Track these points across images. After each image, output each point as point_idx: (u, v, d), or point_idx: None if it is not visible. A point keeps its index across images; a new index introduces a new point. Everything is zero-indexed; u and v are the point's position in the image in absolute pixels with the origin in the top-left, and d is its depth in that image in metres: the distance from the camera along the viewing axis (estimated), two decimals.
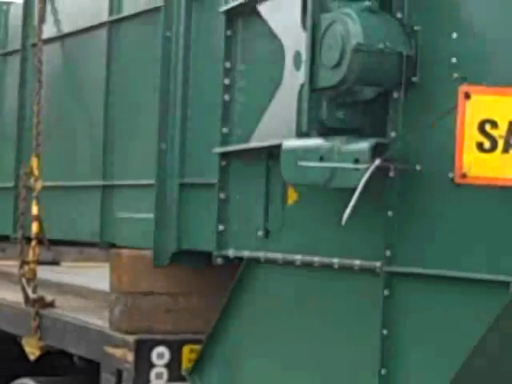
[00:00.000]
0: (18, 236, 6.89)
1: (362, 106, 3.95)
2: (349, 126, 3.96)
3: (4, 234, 7.88)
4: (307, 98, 3.96)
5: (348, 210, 3.63)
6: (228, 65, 5.01)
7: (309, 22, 3.96)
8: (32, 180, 6.76)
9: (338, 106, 3.94)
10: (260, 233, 4.70)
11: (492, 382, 3.82)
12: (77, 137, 6.89)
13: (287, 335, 4.60)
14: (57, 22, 7.28)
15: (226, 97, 5.02)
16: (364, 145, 3.75)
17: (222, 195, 5.03)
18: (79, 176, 6.77)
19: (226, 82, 5.02)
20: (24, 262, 6.76)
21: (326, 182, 3.89)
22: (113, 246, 6.43)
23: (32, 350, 6.46)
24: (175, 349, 5.37)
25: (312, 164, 3.83)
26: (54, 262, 10.29)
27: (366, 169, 3.64)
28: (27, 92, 7.61)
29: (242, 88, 5.00)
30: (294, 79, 4.29)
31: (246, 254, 4.81)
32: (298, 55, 4.23)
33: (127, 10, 6.30)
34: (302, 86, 4.11)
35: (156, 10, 5.73)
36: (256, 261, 4.73)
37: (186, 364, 5.37)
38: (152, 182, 5.68)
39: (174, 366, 5.36)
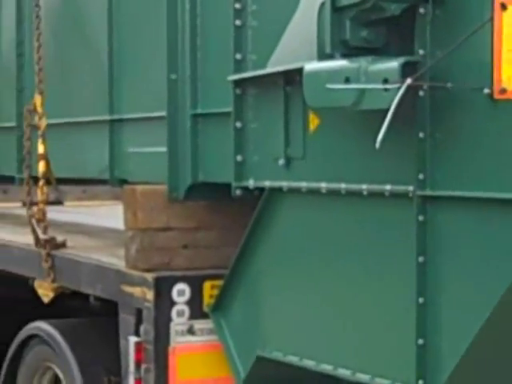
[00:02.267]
0: (24, 176, 6.71)
1: (387, 24, 3.79)
2: (374, 46, 3.81)
3: (8, 175, 7.74)
4: (329, 18, 3.80)
5: (382, 133, 3.48)
6: None
7: None
8: (36, 118, 6.61)
9: (361, 25, 3.78)
10: (281, 161, 4.56)
11: None
12: (80, 71, 6.72)
13: (314, 268, 4.48)
14: None
15: (238, 22, 4.86)
16: (393, 64, 3.60)
17: (239, 124, 4.88)
18: (85, 112, 6.61)
19: (237, 6, 4.85)
20: (32, 203, 6.62)
21: (353, 105, 3.74)
22: (124, 182, 6.30)
23: (45, 292, 6.35)
24: (196, 285, 5.25)
25: (340, 86, 3.67)
26: (58, 202, 10.19)
27: (397, 88, 3.49)
28: (25, 27, 7.44)
29: (254, 11, 4.83)
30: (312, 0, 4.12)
31: (267, 183, 4.68)
32: None
33: None
34: (323, 4, 3.95)
35: None
36: (279, 190, 4.60)
37: (207, 300, 5.25)
38: (163, 114, 5.53)
39: (195, 303, 5.24)
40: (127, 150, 6.14)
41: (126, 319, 5.42)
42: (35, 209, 6.51)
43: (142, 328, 5.28)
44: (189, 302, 5.23)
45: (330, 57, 3.88)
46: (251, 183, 4.81)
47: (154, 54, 5.76)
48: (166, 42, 5.41)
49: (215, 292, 5.25)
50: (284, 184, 4.55)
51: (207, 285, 5.27)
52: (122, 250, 6.12)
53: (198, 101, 5.31)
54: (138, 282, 5.31)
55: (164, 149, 5.52)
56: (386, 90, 3.56)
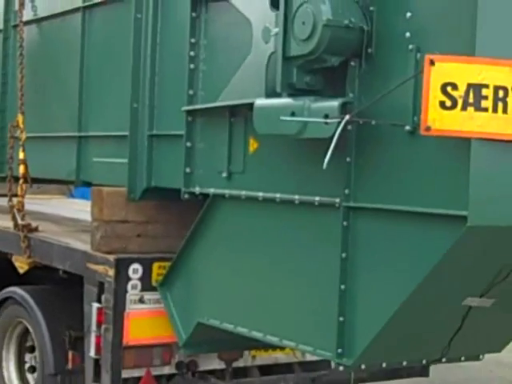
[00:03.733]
0: (7, 175, 6.12)
1: (326, 72, 3.42)
2: (314, 88, 3.43)
3: None
4: (280, 64, 3.41)
5: (328, 156, 3.11)
6: (193, 40, 4.41)
7: (282, 2, 3.41)
8: (18, 132, 6.04)
9: (306, 72, 3.40)
10: (224, 174, 4.15)
11: (439, 312, 3.40)
12: (55, 97, 6.13)
13: (248, 255, 4.08)
14: (34, 7, 6.48)
15: (192, 66, 4.43)
16: (334, 103, 3.23)
17: (189, 144, 4.45)
18: (58, 128, 6.04)
19: (192, 53, 4.42)
20: (12, 196, 6.03)
21: (297, 134, 3.36)
22: (86, 184, 5.79)
23: (21, 265, 5.79)
24: (147, 265, 4.79)
25: (290, 118, 3.29)
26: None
27: (338, 123, 3.13)
28: (9, 62, 6.80)
29: (204, 59, 4.41)
30: (261, 51, 3.72)
31: (211, 190, 4.26)
32: (266, 30, 3.66)
33: None
34: (271, 55, 3.58)
35: None
36: (221, 197, 4.18)
37: (155, 277, 4.80)
38: (122, 133, 5.07)
39: (145, 279, 4.77)
40: (91, 159, 5.61)
41: (90, 289, 4.93)
42: (15, 200, 5.93)
43: (103, 297, 4.82)
44: (141, 278, 4.78)
45: (278, 95, 3.49)
46: (197, 189, 4.40)
47: (116, 87, 5.29)
48: (129, 79, 4.93)
49: (162, 271, 4.82)
50: (226, 192, 4.13)
51: (155, 265, 4.83)
52: (82, 234, 5.76)
53: (154, 124, 4.85)
54: (101, 261, 4.82)
55: (123, 160, 5.07)
56: (326, 123, 3.19)
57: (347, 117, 3.11)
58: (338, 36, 3.23)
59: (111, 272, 4.72)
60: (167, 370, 4.98)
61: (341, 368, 3.48)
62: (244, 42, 3.93)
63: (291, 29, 3.35)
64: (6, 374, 5.89)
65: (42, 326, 5.35)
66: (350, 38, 3.24)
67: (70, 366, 5.18)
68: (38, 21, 6.38)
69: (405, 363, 3.74)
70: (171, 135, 4.69)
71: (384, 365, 3.62)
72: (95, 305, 4.83)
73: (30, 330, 5.57)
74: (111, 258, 4.74)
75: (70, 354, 5.19)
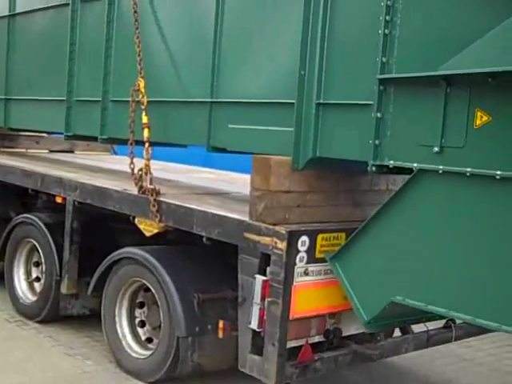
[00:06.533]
0: (128, 138, 5.65)
1: None
2: None
3: (92, 135, 6.62)
4: None
5: None
6: (389, 2, 4.02)
7: None
8: (140, 96, 5.59)
9: None
10: (436, 149, 3.78)
11: None
12: (182, 60, 5.66)
13: (462, 241, 3.72)
14: None
15: (386, 31, 4.04)
16: None
17: (379, 114, 4.08)
18: (187, 94, 5.59)
19: (387, 18, 4.03)
20: (133, 158, 5.62)
21: None
22: (216, 149, 5.38)
23: (149, 228, 5.40)
24: (313, 237, 4.48)
25: None
26: (70, 151, 9.72)
27: None
28: (114, 27, 6.29)
29: (400, 24, 4.02)
30: None
31: (414, 165, 3.89)
32: None
33: None
34: None
35: None
36: (432, 172, 3.81)
37: (318, 249, 4.49)
38: (274, 100, 4.79)
39: (311, 251, 4.48)
40: (226, 126, 5.20)
41: (249, 260, 4.59)
42: (142, 164, 5.50)
43: (268, 269, 4.47)
44: (307, 251, 4.46)
45: None
46: (391, 163, 4.04)
47: (266, 52, 4.88)
48: (289, 44, 4.61)
49: (324, 242, 4.53)
50: (440, 167, 3.77)
51: (319, 237, 4.53)
52: (208, 199, 5.52)
53: (322, 92, 4.46)
54: (267, 232, 4.47)
55: (271, 127, 4.80)
56: None
57: None
58: None
59: (281, 245, 4.38)
60: (317, 339, 4.78)
61: None
62: None
63: None
64: (119, 329, 5.70)
65: (171, 288, 5.10)
66: None
67: (220, 334, 4.83)
68: None
69: None
70: (346, 104, 4.32)
71: None
72: (260, 277, 4.50)
73: (152, 289, 5.33)
74: (282, 229, 4.39)
75: (221, 322, 4.83)
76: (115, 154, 10.08)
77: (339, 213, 4.82)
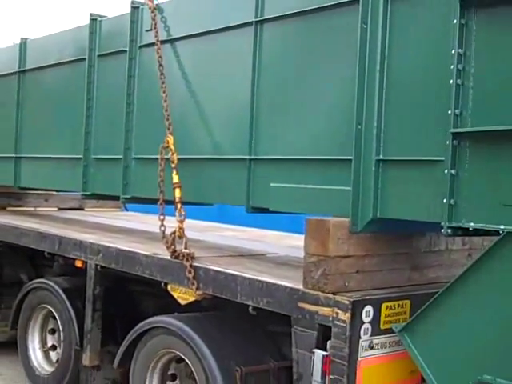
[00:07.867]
0: (158, 198, 5.17)
1: None
2: None
3: (114, 195, 6.15)
4: None
5: None
6: (460, 51, 3.60)
7: None
8: (170, 154, 5.13)
9: None
10: None
11: None
12: (211, 117, 5.23)
13: None
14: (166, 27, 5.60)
15: (458, 81, 3.61)
16: None
17: (453, 171, 3.63)
18: (223, 151, 5.14)
19: (459, 66, 3.61)
20: (163, 220, 5.11)
21: None
22: (255, 209, 4.91)
23: (184, 296, 4.89)
24: (377, 306, 4.00)
25: None
26: (80, 208, 9.38)
27: None
28: (135, 83, 5.88)
29: (473, 73, 3.60)
30: None
31: (501, 227, 3.43)
32: None
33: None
34: None
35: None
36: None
37: (383, 319, 4.01)
38: (333, 157, 4.30)
39: (375, 322, 4.00)
40: (267, 184, 4.73)
41: (305, 333, 4.08)
42: (176, 227, 5.00)
43: (329, 343, 3.97)
44: (371, 322, 3.97)
45: None
46: (470, 224, 3.58)
47: (317, 105, 4.45)
48: (332, 96, 4.25)
49: (389, 312, 4.04)
50: None
51: (384, 306, 4.03)
52: (246, 262, 5.04)
53: (381, 148, 4.02)
54: (326, 302, 3.98)
55: (321, 186, 4.34)
56: None
57: None
58: None
59: (344, 316, 3.90)
60: None
61: None
62: None
63: None
64: None
65: (210, 361, 4.55)
66: None
67: None
68: (173, 40, 5.51)
69: None
70: (411, 160, 3.88)
71: None
72: (319, 352, 4.01)
73: (188, 362, 4.78)
74: (344, 299, 3.90)
75: None
76: (126, 210, 9.70)
77: (397, 277, 4.35)
